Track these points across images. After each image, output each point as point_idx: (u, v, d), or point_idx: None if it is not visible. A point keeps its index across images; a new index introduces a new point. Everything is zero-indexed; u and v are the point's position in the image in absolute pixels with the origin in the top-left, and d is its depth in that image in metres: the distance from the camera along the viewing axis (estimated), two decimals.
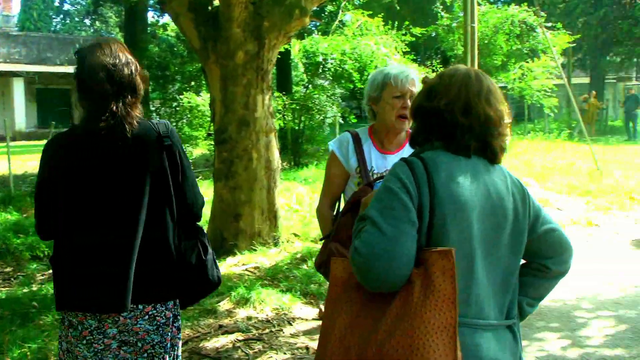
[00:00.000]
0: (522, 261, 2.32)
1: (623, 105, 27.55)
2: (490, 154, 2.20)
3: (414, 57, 19.08)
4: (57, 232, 2.66)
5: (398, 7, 22.57)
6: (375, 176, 3.32)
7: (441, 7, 23.76)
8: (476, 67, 9.63)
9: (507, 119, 2.25)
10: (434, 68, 18.47)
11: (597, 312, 6.06)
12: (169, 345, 2.77)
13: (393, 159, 3.34)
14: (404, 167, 2.08)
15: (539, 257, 2.31)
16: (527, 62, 22.10)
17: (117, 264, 2.62)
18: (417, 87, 3.30)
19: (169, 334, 2.77)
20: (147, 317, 2.69)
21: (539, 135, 23.50)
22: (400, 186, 2.03)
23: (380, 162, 3.38)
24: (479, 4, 19.95)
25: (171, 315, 2.79)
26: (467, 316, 2.04)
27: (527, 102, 24.30)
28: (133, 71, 2.66)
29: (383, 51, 16.46)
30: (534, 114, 31.43)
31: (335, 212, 3.52)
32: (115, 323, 2.63)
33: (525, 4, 21.58)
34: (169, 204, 2.70)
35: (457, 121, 2.15)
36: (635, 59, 31.87)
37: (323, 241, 3.42)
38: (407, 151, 3.38)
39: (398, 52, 17.18)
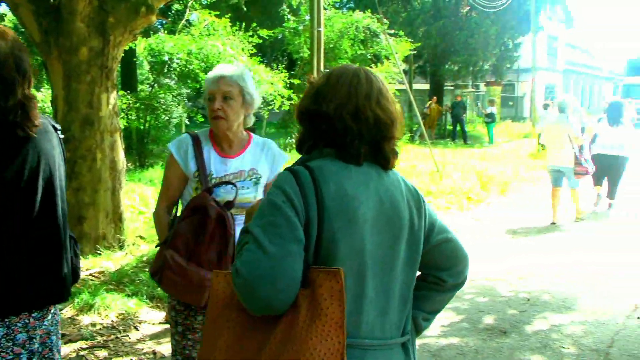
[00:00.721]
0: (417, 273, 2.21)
1: (451, 111, 28.97)
2: (382, 159, 2.08)
3: (261, 59, 19.13)
4: None
5: (245, 9, 22.59)
6: (214, 181, 3.20)
7: (288, 10, 23.94)
8: (322, 69, 9.79)
9: (399, 121, 2.13)
10: (279, 71, 18.56)
11: None
12: (59, 343, 2.64)
13: (234, 162, 3.27)
14: (290, 178, 1.93)
15: (434, 269, 2.21)
16: (371, 67, 22.68)
17: (49, 254, 2.49)
18: (233, 86, 3.19)
19: (59, 332, 2.65)
20: (50, 316, 2.54)
21: None
22: (284, 200, 1.88)
23: (220, 167, 3.26)
24: (325, 9, 20.30)
25: (59, 312, 2.67)
26: (357, 337, 1.94)
27: None
28: (28, 62, 2.49)
29: (230, 52, 16.36)
30: None
31: (172, 217, 3.37)
32: (25, 327, 2.42)
33: (370, 10, 22.15)
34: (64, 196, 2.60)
35: (346, 126, 2.01)
36: (471, 68, 33.47)
37: (159, 247, 3.28)
38: (249, 155, 3.33)
39: (245, 53, 17.13)
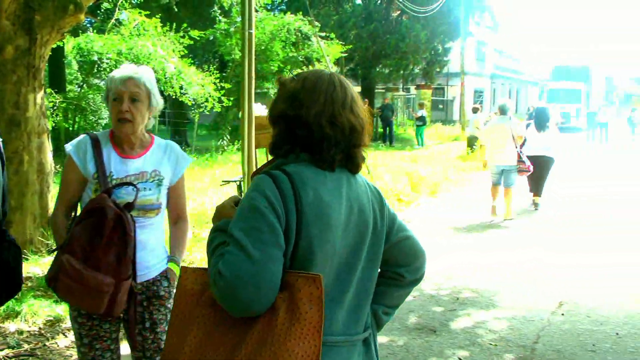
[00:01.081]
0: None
1: (381, 113, 29.19)
2: (353, 165, 2.15)
3: (192, 61, 18.98)
4: None
5: (176, 9, 22.32)
6: (114, 182, 3.08)
7: (219, 11, 23.80)
8: (253, 72, 9.78)
9: (367, 127, 2.18)
10: (210, 72, 18.43)
11: None
12: None
13: (135, 163, 3.17)
14: (270, 183, 1.97)
15: (394, 266, 2.29)
16: (303, 69, 22.75)
17: None
18: (141, 88, 3.11)
19: None
20: None
21: None
22: (267, 205, 1.92)
23: (120, 167, 3.14)
24: (256, 10, 20.24)
25: None
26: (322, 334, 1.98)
27: None
28: None
29: (161, 53, 16.20)
30: None
31: (71, 221, 3.20)
32: None
33: (301, 13, 22.20)
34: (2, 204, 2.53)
35: (324, 133, 2.06)
36: (401, 71, 33.86)
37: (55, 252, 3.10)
38: (151, 156, 3.23)
39: (176, 54, 16.98)
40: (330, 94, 2.09)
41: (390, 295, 2.34)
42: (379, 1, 32.64)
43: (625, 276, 7.59)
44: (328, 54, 20.27)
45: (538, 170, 11.73)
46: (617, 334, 5.78)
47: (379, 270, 2.27)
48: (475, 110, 21.82)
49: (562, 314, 6.32)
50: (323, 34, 21.93)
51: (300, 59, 22.86)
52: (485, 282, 7.33)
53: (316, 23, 20.78)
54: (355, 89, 2.23)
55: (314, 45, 22.13)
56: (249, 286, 1.84)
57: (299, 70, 22.38)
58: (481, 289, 7.06)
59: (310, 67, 22.30)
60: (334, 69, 23.65)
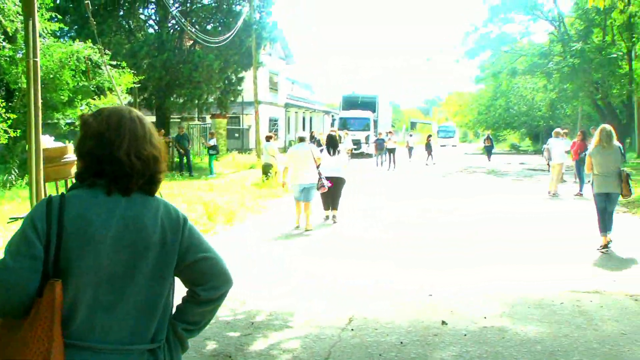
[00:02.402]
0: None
1: (177, 144, 28.93)
2: (150, 188, 2.41)
3: None
4: None
5: None
6: None
7: (3, 36, 22.58)
8: (39, 102, 9.47)
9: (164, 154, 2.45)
10: None
11: None
12: None
13: None
14: (42, 205, 2.28)
15: (190, 284, 2.49)
16: (94, 99, 22.17)
17: None
18: None
19: None
20: None
21: None
22: (29, 223, 2.25)
23: None
24: (43, 37, 19.51)
25: None
26: (90, 340, 2.21)
27: None
28: None
29: None
30: None
31: None
32: None
33: (90, 40, 21.60)
34: None
35: (133, 166, 2.31)
36: (196, 101, 33.80)
37: None
38: None
39: None
40: (134, 131, 2.36)
41: (188, 312, 2.52)
42: (172, 30, 32.54)
43: (408, 290, 8.13)
44: (119, 84, 19.94)
45: (333, 189, 13.53)
46: (401, 342, 6.19)
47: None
48: (268, 139, 22.21)
49: (352, 329, 6.61)
50: (114, 63, 21.51)
51: (92, 89, 22.22)
52: (281, 304, 7.51)
53: (107, 51, 20.26)
54: (150, 119, 2.47)
55: (105, 74, 21.61)
56: (1, 290, 2.17)
57: (91, 100, 21.84)
58: (276, 311, 7.22)
59: (102, 97, 21.81)
60: (127, 98, 23.29)
